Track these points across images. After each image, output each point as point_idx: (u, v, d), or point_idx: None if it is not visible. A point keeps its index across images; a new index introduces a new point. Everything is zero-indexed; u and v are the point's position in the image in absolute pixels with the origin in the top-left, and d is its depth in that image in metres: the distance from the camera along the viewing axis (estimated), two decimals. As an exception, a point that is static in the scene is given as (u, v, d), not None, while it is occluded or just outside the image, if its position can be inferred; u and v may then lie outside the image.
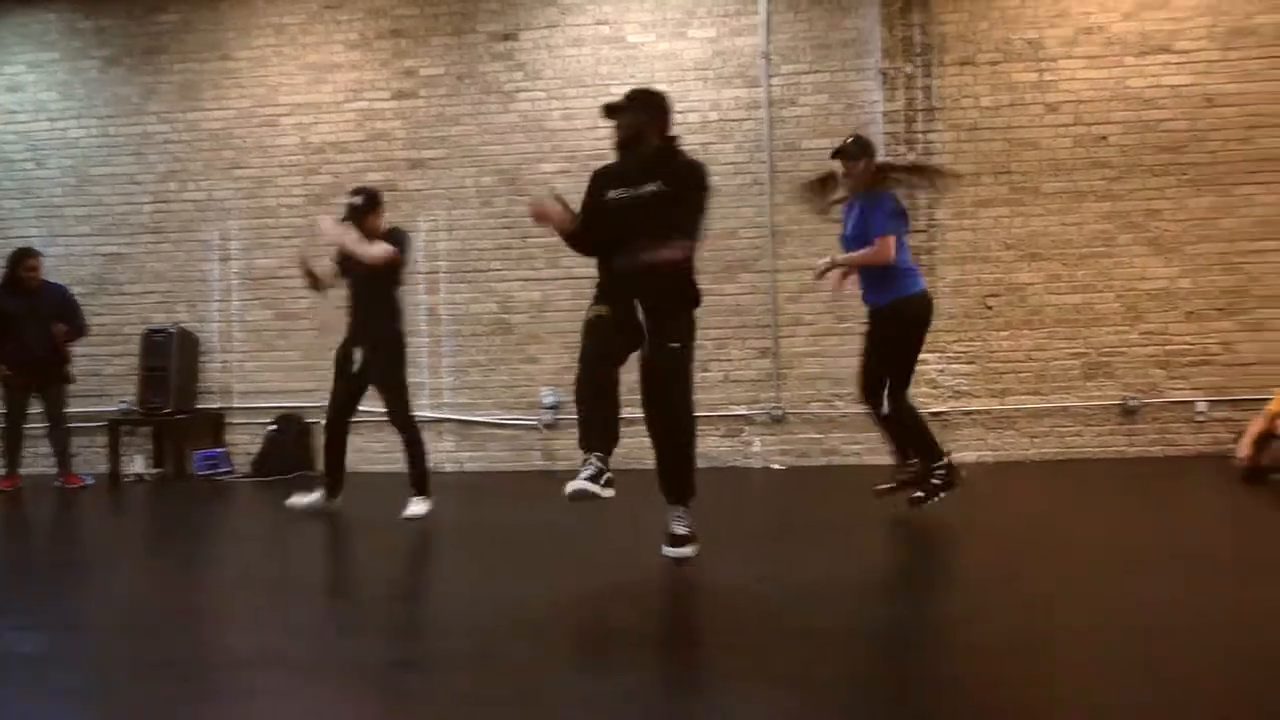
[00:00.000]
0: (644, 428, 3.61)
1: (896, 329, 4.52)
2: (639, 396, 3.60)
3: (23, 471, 6.80)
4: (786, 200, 7.13)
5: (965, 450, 6.89)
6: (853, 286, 4.72)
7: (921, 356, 4.74)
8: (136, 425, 7.48)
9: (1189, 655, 2.46)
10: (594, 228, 3.71)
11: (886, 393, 4.56)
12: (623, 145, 3.72)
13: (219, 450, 7.48)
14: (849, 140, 4.66)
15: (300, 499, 5.08)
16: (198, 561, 4.29)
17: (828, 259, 4.67)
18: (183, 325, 7.54)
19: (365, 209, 4.96)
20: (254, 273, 7.65)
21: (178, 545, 4.80)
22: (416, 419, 5.11)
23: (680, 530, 3.56)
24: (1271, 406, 5.60)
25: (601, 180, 3.81)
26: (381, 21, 7.59)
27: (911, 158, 6.75)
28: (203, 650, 2.81)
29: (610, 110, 3.75)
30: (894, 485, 4.63)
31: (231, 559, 4.43)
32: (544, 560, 3.92)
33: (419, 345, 7.35)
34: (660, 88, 4.08)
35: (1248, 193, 6.80)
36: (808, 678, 2.35)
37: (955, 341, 6.82)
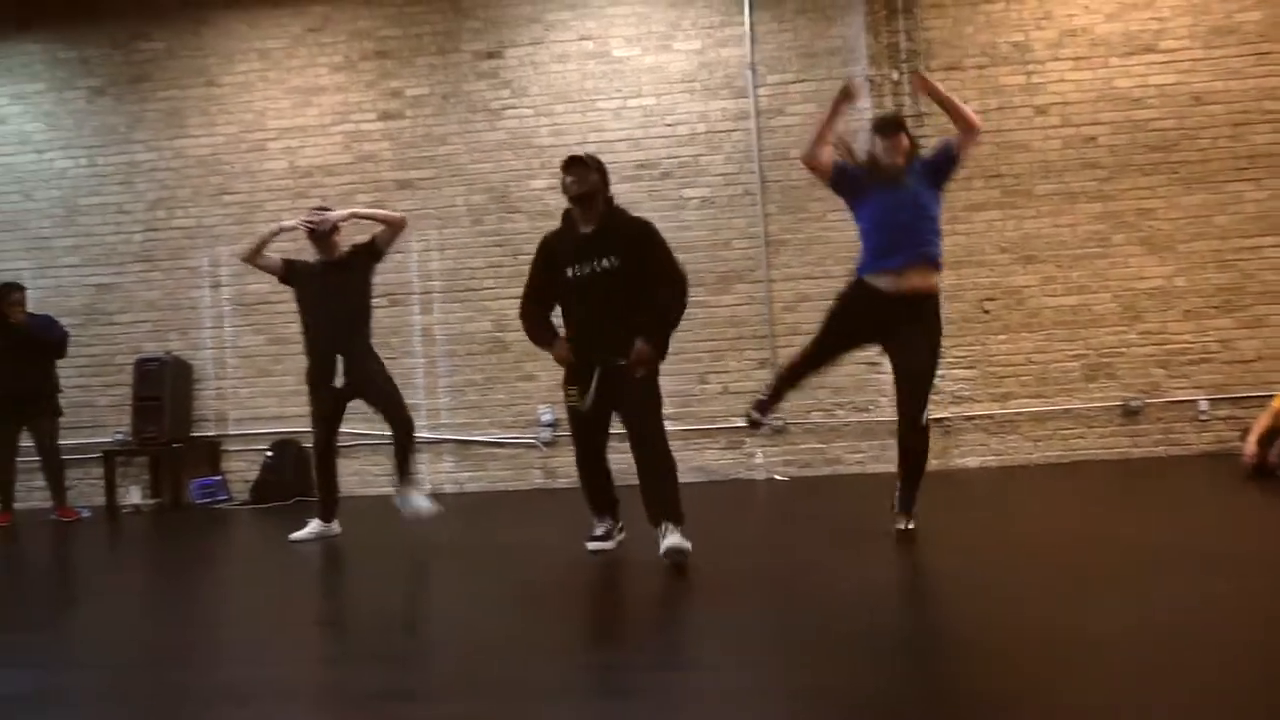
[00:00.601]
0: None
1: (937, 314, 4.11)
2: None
3: (17, 506, 6.73)
4: (779, 210, 7.13)
5: (968, 456, 6.87)
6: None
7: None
8: (132, 455, 7.42)
9: (1225, 658, 2.41)
10: (548, 300, 4.11)
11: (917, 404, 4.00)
12: (579, 199, 3.96)
13: (216, 478, 7.41)
14: (888, 116, 4.44)
15: (300, 533, 5.02)
16: (196, 593, 4.22)
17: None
18: (175, 353, 7.49)
19: (334, 228, 5.04)
20: (245, 298, 7.60)
21: (175, 577, 4.73)
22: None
23: (676, 538, 3.74)
24: (1276, 403, 5.59)
25: (553, 254, 4.05)
26: (366, 43, 7.58)
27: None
28: (200, 683, 2.75)
29: (573, 162, 3.98)
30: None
31: (230, 589, 4.37)
32: (544, 583, 3.87)
33: (414, 366, 7.31)
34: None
35: (1238, 189, 6.81)
36: (826, 689, 2.31)
37: (954, 346, 6.79)
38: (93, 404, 7.63)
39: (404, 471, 4.98)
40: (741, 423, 7.28)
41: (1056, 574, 3.44)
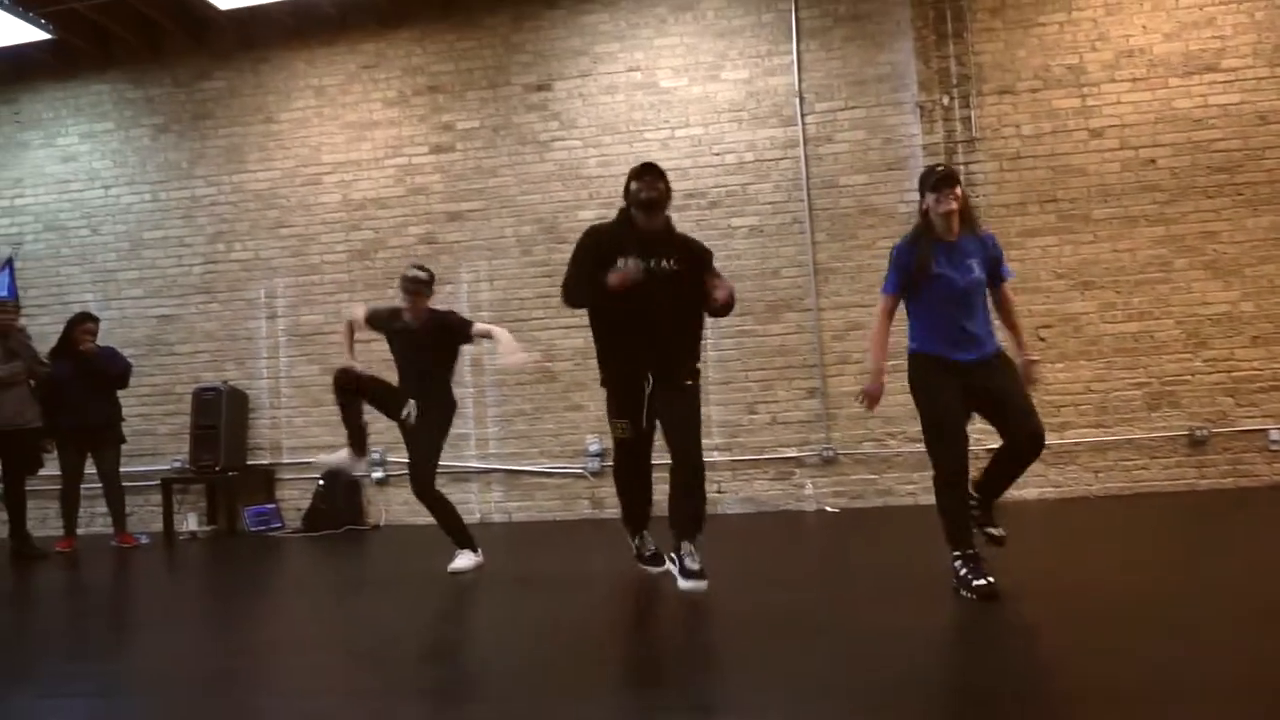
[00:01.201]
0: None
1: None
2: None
3: (80, 532, 6.89)
4: (828, 237, 7.05)
5: (1026, 488, 6.67)
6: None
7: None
8: (189, 483, 7.57)
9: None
10: (592, 292, 3.93)
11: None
12: (647, 204, 3.92)
13: (270, 506, 7.52)
14: (939, 167, 3.88)
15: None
16: (247, 620, 4.26)
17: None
18: (232, 383, 7.64)
19: (428, 283, 5.03)
20: (300, 329, 7.74)
21: (228, 604, 4.78)
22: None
23: (696, 565, 3.72)
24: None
25: (607, 244, 3.94)
26: (418, 78, 7.72)
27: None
28: (242, 712, 2.76)
29: (647, 169, 3.95)
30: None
31: (281, 617, 4.40)
32: (589, 617, 3.83)
33: (463, 396, 7.35)
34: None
35: (1308, 211, 6.57)
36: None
37: (1008, 374, 6.62)
38: (153, 432, 7.81)
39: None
40: (792, 453, 7.22)
41: (1148, 615, 3.29)
